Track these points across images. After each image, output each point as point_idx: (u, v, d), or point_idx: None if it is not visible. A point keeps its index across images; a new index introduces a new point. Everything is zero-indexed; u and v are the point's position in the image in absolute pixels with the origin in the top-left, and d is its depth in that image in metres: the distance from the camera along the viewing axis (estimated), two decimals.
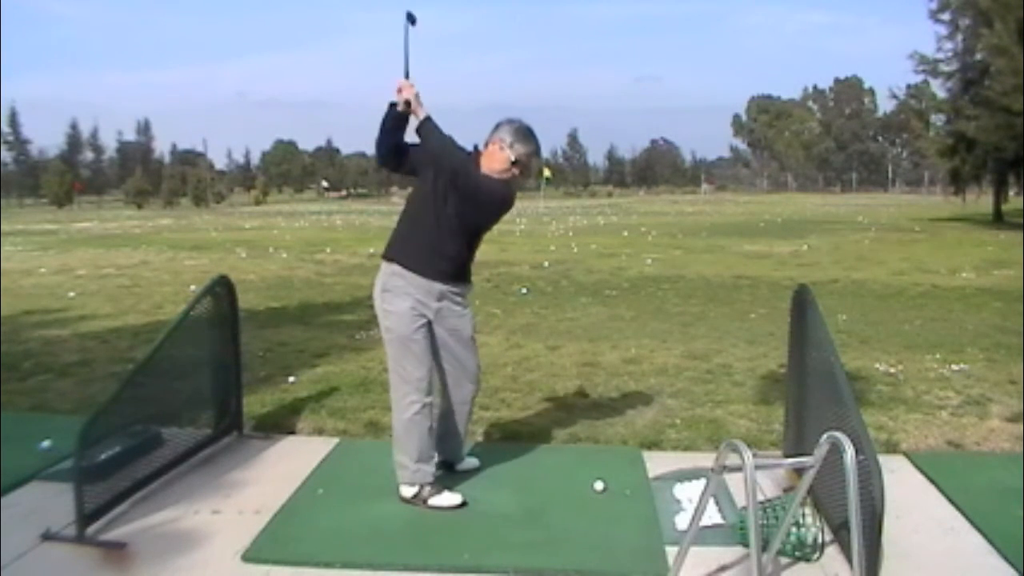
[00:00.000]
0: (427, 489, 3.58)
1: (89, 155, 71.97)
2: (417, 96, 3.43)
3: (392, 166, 3.63)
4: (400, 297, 3.52)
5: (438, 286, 3.54)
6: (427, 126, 3.44)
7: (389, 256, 3.60)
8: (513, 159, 3.51)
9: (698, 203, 47.03)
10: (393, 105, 3.48)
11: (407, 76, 3.48)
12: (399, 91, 3.44)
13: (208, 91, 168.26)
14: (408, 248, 3.56)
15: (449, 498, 3.58)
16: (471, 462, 4.02)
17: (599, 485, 3.75)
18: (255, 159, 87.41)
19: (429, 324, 3.57)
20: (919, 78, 34.62)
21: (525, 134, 3.54)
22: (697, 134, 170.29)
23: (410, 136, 3.58)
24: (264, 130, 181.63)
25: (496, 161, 3.51)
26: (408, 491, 3.60)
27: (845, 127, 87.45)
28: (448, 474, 3.85)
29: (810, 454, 2.83)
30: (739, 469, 2.58)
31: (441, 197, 3.47)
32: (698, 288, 10.43)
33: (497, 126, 3.59)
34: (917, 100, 42.89)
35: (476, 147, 3.63)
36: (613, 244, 17.36)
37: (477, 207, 3.51)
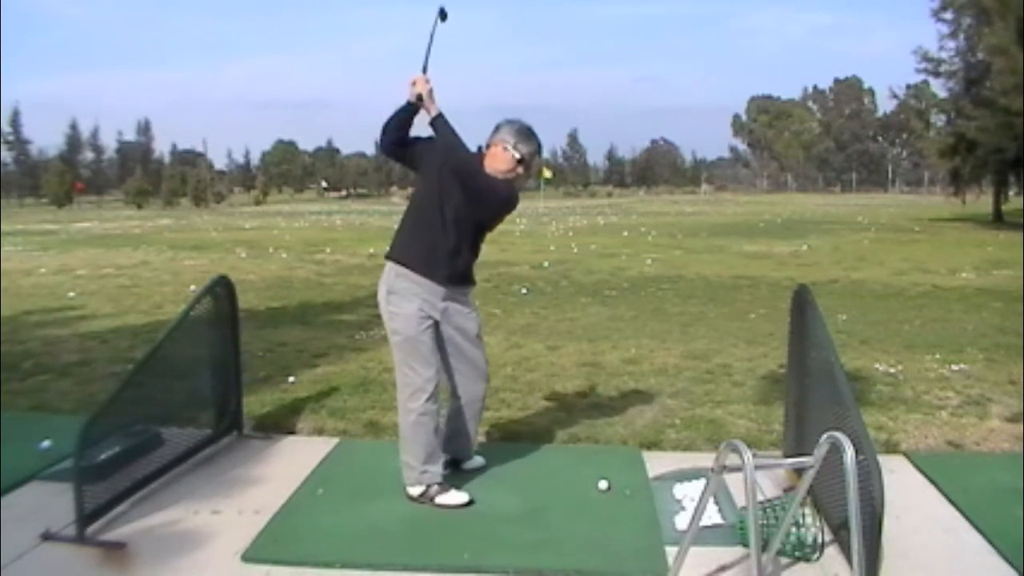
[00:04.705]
0: (434, 488, 3.59)
1: (89, 155, 71.89)
2: (431, 92, 3.42)
3: (395, 156, 3.63)
4: (407, 299, 3.53)
5: (443, 288, 3.56)
6: (438, 122, 3.44)
7: (394, 257, 3.59)
8: (518, 158, 3.55)
9: (698, 203, 47.03)
10: (409, 102, 3.46)
11: (424, 71, 3.46)
12: (413, 84, 3.42)
13: (208, 91, 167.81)
14: (413, 250, 3.56)
15: (456, 496, 3.60)
16: (477, 461, 4.02)
17: (603, 484, 3.76)
18: (255, 159, 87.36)
19: (436, 325, 3.59)
20: (919, 78, 34.64)
21: (527, 134, 3.57)
22: (697, 134, 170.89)
23: (419, 130, 3.59)
24: (264, 130, 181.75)
25: (500, 162, 3.54)
26: (415, 490, 3.62)
27: (845, 127, 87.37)
28: (452, 473, 3.85)
29: (810, 454, 2.83)
30: (739, 469, 2.58)
31: (446, 197, 3.48)
32: (698, 288, 10.44)
33: (497, 127, 3.60)
34: (917, 100, 42.92)
35: (480, 148, 3.64)
36: (613, 244, 17.36)
37: (482, 207, 3.54)
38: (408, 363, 3.56)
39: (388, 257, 3.63)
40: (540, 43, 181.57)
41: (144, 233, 22.78)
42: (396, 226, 3.75)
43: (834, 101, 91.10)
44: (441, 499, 3.58)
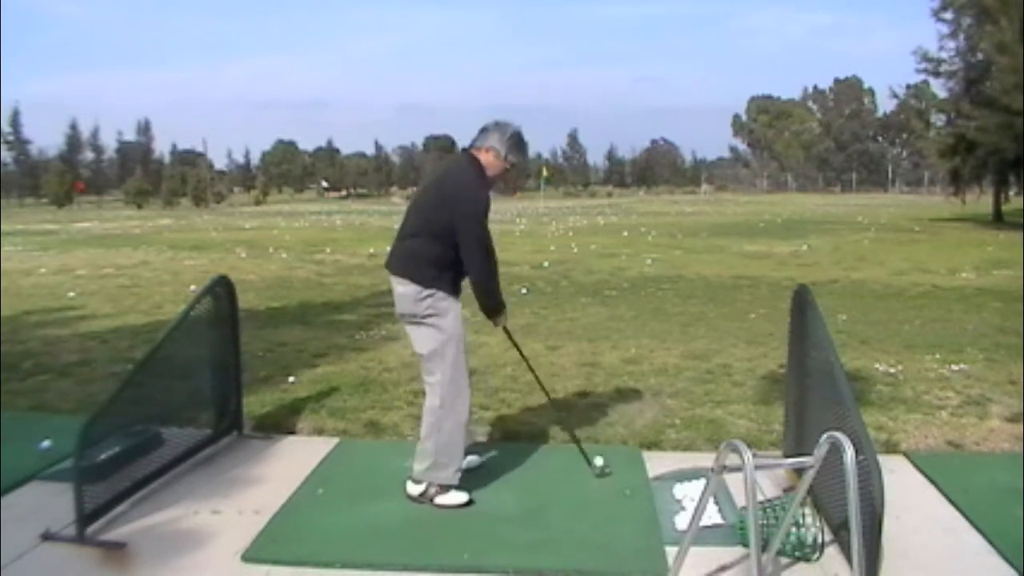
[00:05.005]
0: (433, 488, 3.59)
1: (89, 155, 71.88)
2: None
3: None
4: (450, 299, 3.62)
5: None
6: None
7: (436, 286, 3.60)
8: (507, 168, 3.72)
9: (698, 203, 47.02)
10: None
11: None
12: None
13: (208, 91, 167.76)
14: (451, 280, 3.64)
15: (456, 496, 3.60)
16: (472, 460, 4.02)
17: (599, 461, 3.85)
18: (255, 159, 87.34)
19: None
20: (919, 78, 34.66)
21: (518, 143, 3.68)
22: (697, 134, 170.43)
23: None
24: (264, 130, 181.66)
25: (492, 168, 3.67)
26: (416, 489, 3.61)
27: (845, 127, 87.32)
28: None
29: (810, 454, 2.83)
30: (739, 469, 2.59)
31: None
32: (698, 288, 10.43)
33: (486, 130, 3.68)
34: (917, 100, 42.93)
35: (464, 148, 3.71)
36: (613, 244, 17.36)
37: None
38: (458, 362, 3.60)
39: (422, 284, 3.59)
40: (540, 43, 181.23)
41: (144, 233, 22.78)
42: (397, 226, 3.77)
43: (834, 101, 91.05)
44: (441, 499, 3.58)
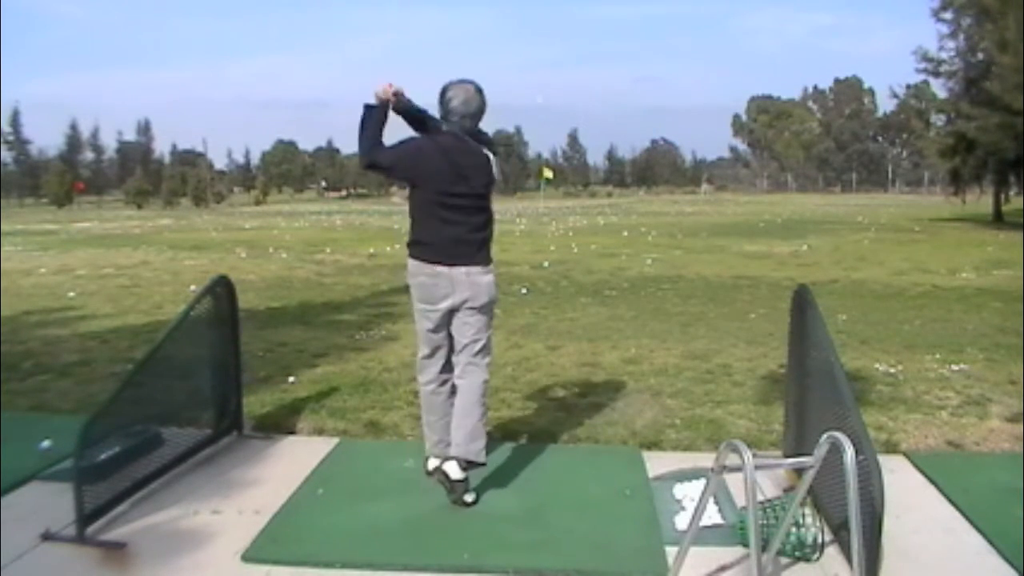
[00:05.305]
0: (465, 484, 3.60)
1: (89, 155, 71.82)
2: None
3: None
4: None
5: None
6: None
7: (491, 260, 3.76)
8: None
9: (698, 203, 47.02)
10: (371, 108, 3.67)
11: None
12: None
13: (208, 91, 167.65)
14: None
15: (471, 495, 3.63)
16: None
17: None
18: (255, 159, 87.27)
19: None
20: (919, 78, 34.67)
21: (454, 93, 3.63)
22: (697, 134, 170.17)
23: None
24: (264, 130, 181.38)
25: None
26: (462, 474, 3.56)
27: (845, 127, 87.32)
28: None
29: (810, 454, 2.83)
30: (739, 469, 2.59)
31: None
32: (698, 288, 10.43)
33: (471, 117, 3.68)
34: (917, 100, 42.96)
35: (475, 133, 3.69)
36: (613, 244, 17.36)
37: None
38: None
39: (487, 265, 3.69)
40: (540, 43, 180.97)
41: (144, 233, 22.77)
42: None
43: (834, 101, 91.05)
44: (468, 497, 3.59)
